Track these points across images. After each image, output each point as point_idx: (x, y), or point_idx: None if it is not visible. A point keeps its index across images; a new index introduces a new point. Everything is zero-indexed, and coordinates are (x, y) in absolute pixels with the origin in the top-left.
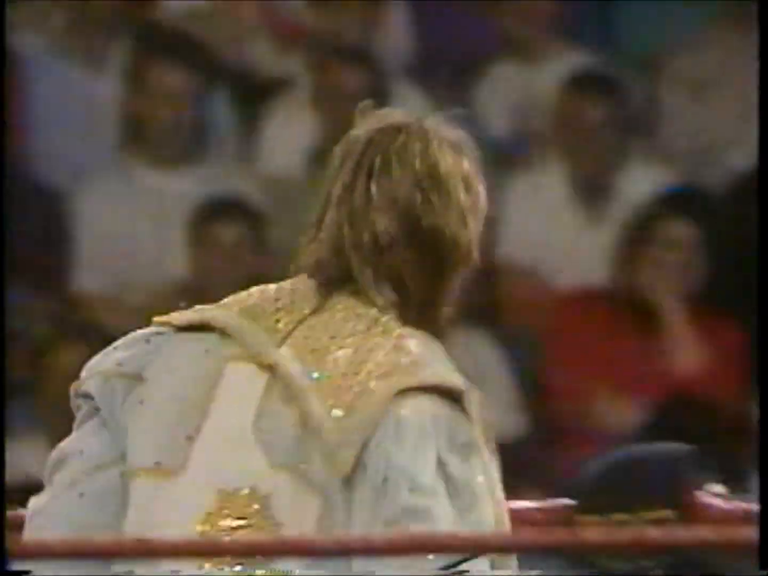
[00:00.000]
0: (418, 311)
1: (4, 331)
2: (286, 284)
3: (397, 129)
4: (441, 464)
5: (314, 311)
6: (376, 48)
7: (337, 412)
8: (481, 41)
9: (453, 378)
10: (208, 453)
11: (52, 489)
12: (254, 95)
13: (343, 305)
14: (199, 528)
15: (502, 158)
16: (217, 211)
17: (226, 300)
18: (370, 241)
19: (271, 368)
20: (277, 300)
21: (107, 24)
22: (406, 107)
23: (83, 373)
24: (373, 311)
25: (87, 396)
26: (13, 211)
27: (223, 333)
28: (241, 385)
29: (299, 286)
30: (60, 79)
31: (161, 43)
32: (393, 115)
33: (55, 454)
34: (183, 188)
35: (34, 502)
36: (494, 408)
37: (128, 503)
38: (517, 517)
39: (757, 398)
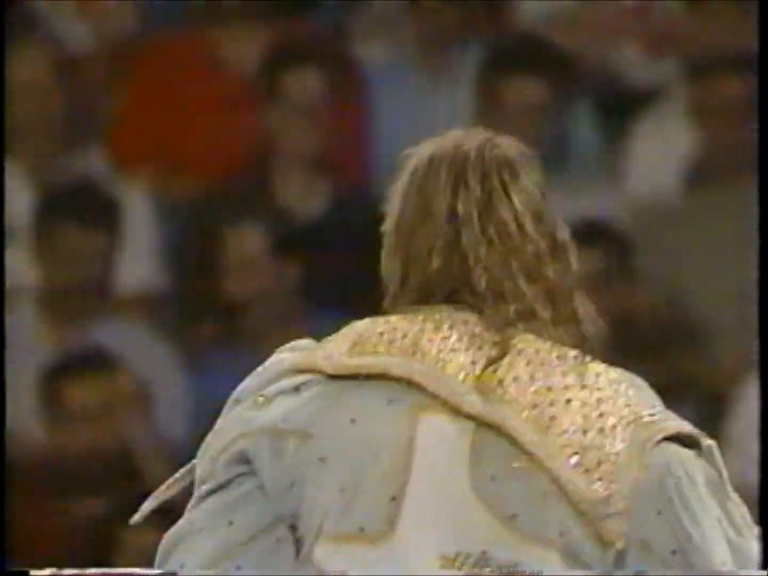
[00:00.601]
0: (575, 340)
1: (3, 332)
2: (436, 317)
3: (498, 144)
4: (720, 523)
5: (499, 351)
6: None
7: (591, 479)
8: None
9: (683, 423)
10: (420, 515)
11: (191, 562)
12: (621, 107)
13: (522, 341)
14: None
15: None
16: (579, 235)
17: (356, 340)
18: (533, 257)
19: (474, 419)
20: (445, 338)
21: (458, 34)
22: None
23: (230, 435)
24: (564, 349)
25: (235, 460)
26: (349, 235)
27: (405, 381)
28: (444, 439)
29: (454, 320)
30: (407, 93)
31: (517, 52)
32: (475, 132)
33: (176, 531)
34: None
35: None
36: None
37: (323, 570)
38: None
39: None
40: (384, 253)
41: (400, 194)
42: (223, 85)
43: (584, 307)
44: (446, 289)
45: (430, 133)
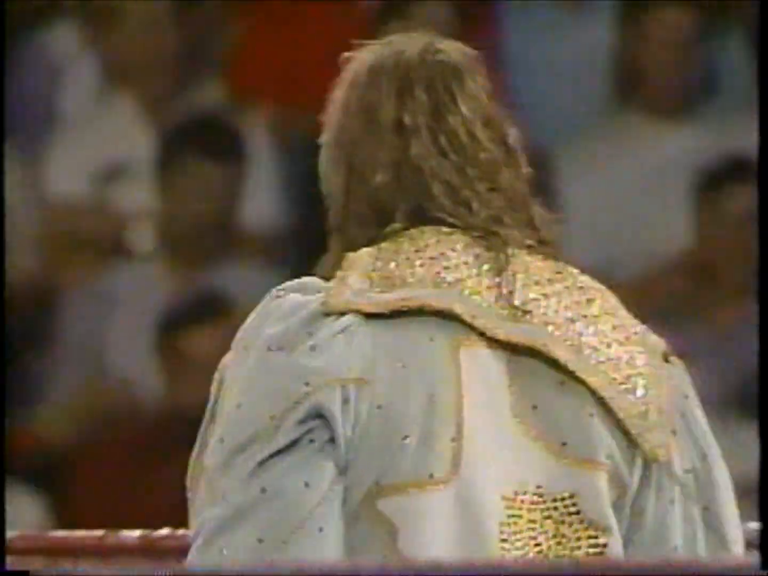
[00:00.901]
0: (536, 246)
1: (4, 331)
2: (433, 242)
3: (441, 49)
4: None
5: (506, 272)
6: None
7: (628, 393)
8: None
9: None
10: (477, 456)
11: (269, 532)
12: None
13: (517, 257)
14: (499, 545)
15: None
16: (727, 171)
17: (370, 274)
18: (489, 164)
19: (507, 347)
20: (457, 265)
21: None
22: None
23: (297, 390)
24: (557, 263)
25: (307, 416)
26: None
27: (442, 314)
28: (484, 373)
29: (453, 243)
30: (545, 23)
31: None
32: (415, 37)
33: (238, 503)
34: (687, 145)
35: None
36: None
37: (394, 523)
38: None
39: None
40: (324, 166)
41: (339, 105)
42: (345, 16)
43: (539, 212)
44: (405, 205)
45: (570, 68)
